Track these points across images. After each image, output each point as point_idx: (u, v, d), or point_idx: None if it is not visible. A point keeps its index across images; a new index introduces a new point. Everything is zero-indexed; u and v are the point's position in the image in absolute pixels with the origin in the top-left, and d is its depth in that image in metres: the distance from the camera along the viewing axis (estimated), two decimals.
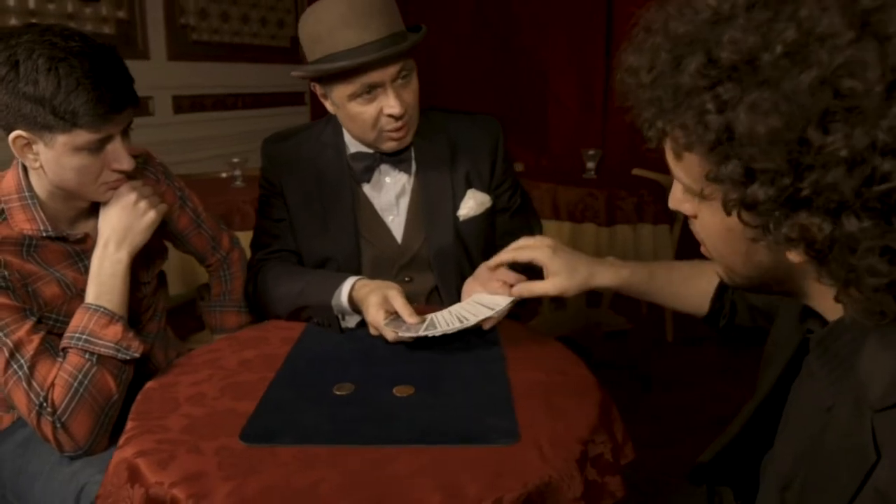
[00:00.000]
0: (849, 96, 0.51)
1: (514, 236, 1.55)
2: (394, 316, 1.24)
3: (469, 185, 1.49)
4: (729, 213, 0.61)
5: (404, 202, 1.48)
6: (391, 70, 1.30)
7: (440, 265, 1.47)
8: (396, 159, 1.45)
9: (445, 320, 1.21)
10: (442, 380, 1.12)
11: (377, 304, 1.24)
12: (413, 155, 1.47)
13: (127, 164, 1.17)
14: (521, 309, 1.61)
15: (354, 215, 1.46)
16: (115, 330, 1.14)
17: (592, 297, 3.69)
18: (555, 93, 4.75)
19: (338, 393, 1.07)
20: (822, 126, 0.52)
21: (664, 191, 3.35)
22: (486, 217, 1.52)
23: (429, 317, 1.23)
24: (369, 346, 1.25)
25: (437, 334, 1.16)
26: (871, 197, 0.52)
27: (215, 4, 3.88)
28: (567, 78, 4.73)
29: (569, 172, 3.63)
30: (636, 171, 3.82)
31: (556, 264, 1.14)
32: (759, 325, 1.14)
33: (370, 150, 1.44)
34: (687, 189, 0.70)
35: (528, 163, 4.26)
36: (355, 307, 1.33)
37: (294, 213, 1.49)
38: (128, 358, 1.14)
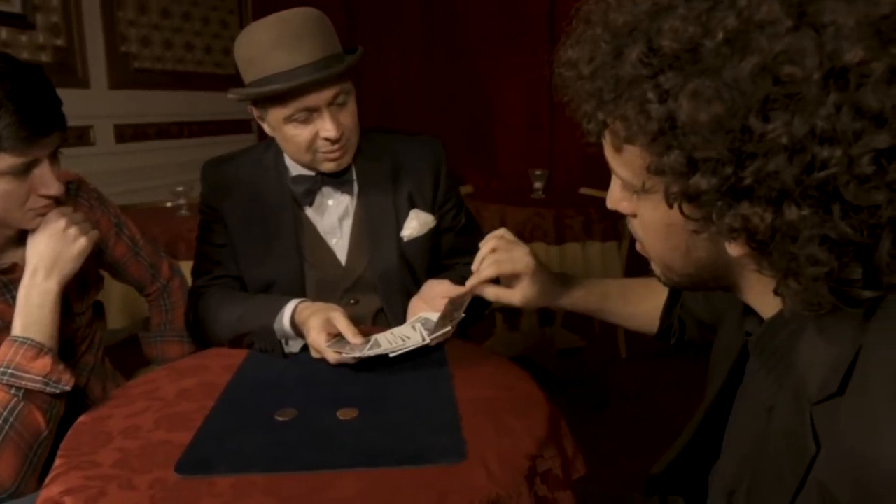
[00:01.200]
0: (789, 83, 0.51)
1: (461, 255, 1.57)
2: (337, 338, 1.21)
3: (412, 206, 1.49)
4: (671, 206, 0.61)
5: (347, 224, 1.47)
6: (326, 94, 1.29)
7: (385, 286, 1.46)
8: (338, 181, 1.44)
9: (388, 340, 1.20)
10: (387, 401, 1.10)
11: (318, 326, 1.21)
12: (355, 176, 1.46)
13: (55, 189, 1.13)
14: (474, 328, 1.60)
15: (297, 238, 1.44)
16: (44, 363, 1.09)
17: (545, 315, 3.72)
18: (502, 115, 4.80)
19: (279, 419, 1.04)
20: (762, 114, 0.52)
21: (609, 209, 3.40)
22: (431, 237, 1.51)
23: (373, 337, 1.22)
24: (313, 371, 1.23)
25: (380, 353, 1.14)
26: (810, 185, 0.52)
27: (158, 32, 3.82)
28: (513, 100, 4.78)
29: (517, 193, 3.67)
30: (583, 191, 3.88)
31: (535, 279, 1.12)
32: (707, 339, 1.13)
33: (311, 173, 1.43)
34: (626, 185, 0.69)
35: (477, 185, 4.28)
36: (298, 331, 1.30)
37: (235, 237, 1.46)
38: (57, 391, 1.09)
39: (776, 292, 0.63)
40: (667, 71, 0.56)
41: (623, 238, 3.42)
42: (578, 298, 1.15)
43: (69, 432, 1.03)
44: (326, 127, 1.30)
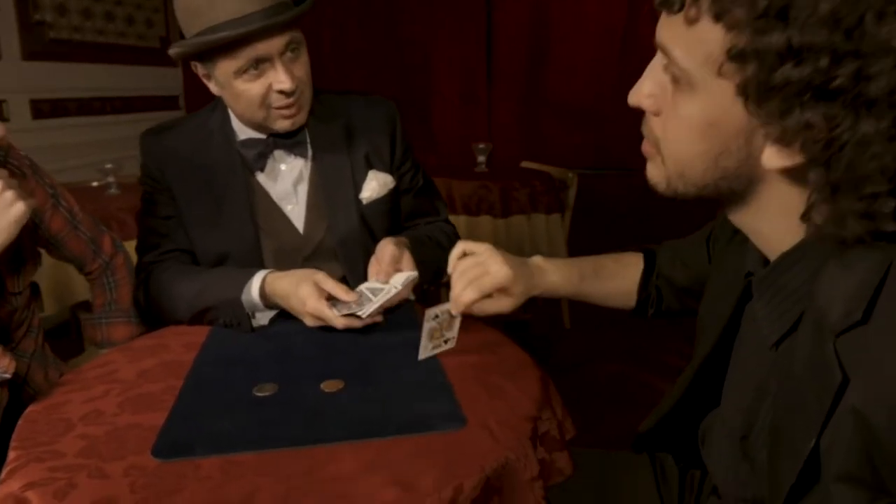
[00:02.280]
0: None
1: (420, 217, 1.54)
2: (330, 302, 1.16)
3: (370, 167, 1.42)
4: (745, 96, 0.58)
5: (302, 189, 1.39)
6: (278, 42, 1.20)
7: (346, 252, 1.39)
8: (290, 143, 1.35)
9: (371, 291, 1.16)
10: (371, 371, 1.04)
11: (313, 293, 1.15)
12: (308, 139, 1.38)
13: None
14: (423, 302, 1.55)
15: (251, 206, 1.35)
16: None
17: None
18: (439, 88, 4.74)
19: (258, 394, 0.96)
20: (881, 14, 0.50)
21: (554, 181, 3.42)
22: (390, 198, 1.45)
23: (358, 290, 1.18)
24: (286, 344, 1.15)
25: (384, 300, 1.11)
26: None
27: (75, 0, 3.56)
28: (451, 73, 4.73)
29: (460, 167, 3.63)
30: (525, 164, 3.88)
31: (516, 288, 1.05)
32: (686, 306, 1.14)
33: (261, 136, 1.34)
34: (675, 74, 0.65)
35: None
36: (268, 302, 1.22)
37: (184, 207, 1.36)
38: None
39: (804, 217, 0.61)
40: None
41: (566, 209, 3.45)
42: (556, 285, 1.10)
43: (20, 422, 0.93)
44: (280, 79, 1.22)
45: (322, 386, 0.98)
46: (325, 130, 1.39)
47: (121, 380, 1.04)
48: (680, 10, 0.61)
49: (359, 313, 1.14)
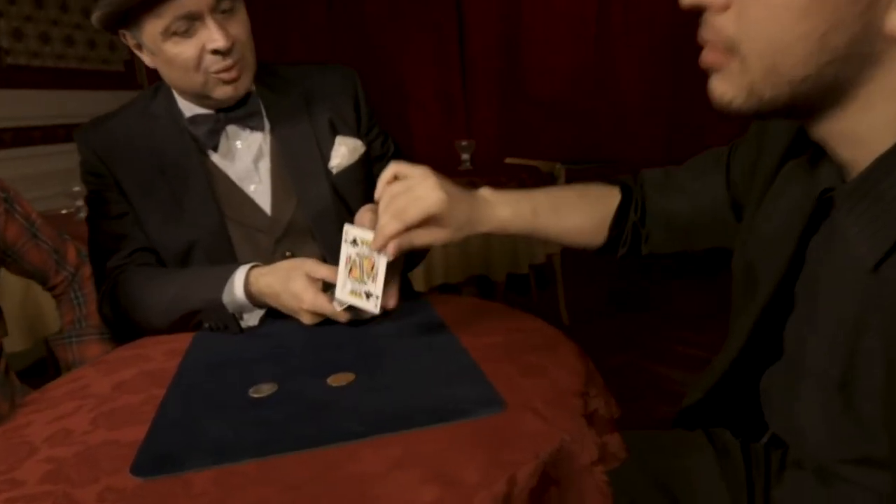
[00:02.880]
0: None
1: None
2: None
3: (335, 133, 1.29)
4: None
5: (264, 166, 1.25)
6: None
7: (321, 229, 1.25)
8: (243, 115, 1.22)
9: (362, 269, 0.98)
10: (383, 359, 0.90)
11: (309, 287, 1.02)
12: (263, 110, 1.25)
13: None
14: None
15: (212, 190, 1.22)
16: None
17: (484, 290, 3.60)
18: (413, 91, 4.64)
19: (255, 395, 0.82)
20: None
21: (541, 175, 3.32)
22: (362, 166, 1.32)
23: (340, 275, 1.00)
24: (282, 342, 1.01)
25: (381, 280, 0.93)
26: None
27: (32, 24, 3.39)
28: (424, 75, 4.64)
29: (444, 167, 3.52)
30: (509, 160, 3.79)
31: (452, 218, 0.89)
32: (678, 249, 1.02)
33: (210, 111, 1.21)
34: None
35: None
36: (255, 301, 1.08)
37: (136, 202, 1.22)
38: None
39: None
40: None
41: None
42: (506, 221, 0.96)
43: None
44: (213, 37, 1.09)
45: (329, 381, 0.84)
46: (280, 100, 1.27)
47: (93, 394, 0.89)
48: None
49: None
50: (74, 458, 0.72)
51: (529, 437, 0.68)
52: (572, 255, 3.64)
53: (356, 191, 1.30)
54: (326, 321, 1.04)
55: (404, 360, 0.90)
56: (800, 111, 0.62)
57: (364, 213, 1.13)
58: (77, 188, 2.54)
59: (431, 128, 4.60)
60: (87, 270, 1.31)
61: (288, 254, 1.25)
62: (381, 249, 0.88)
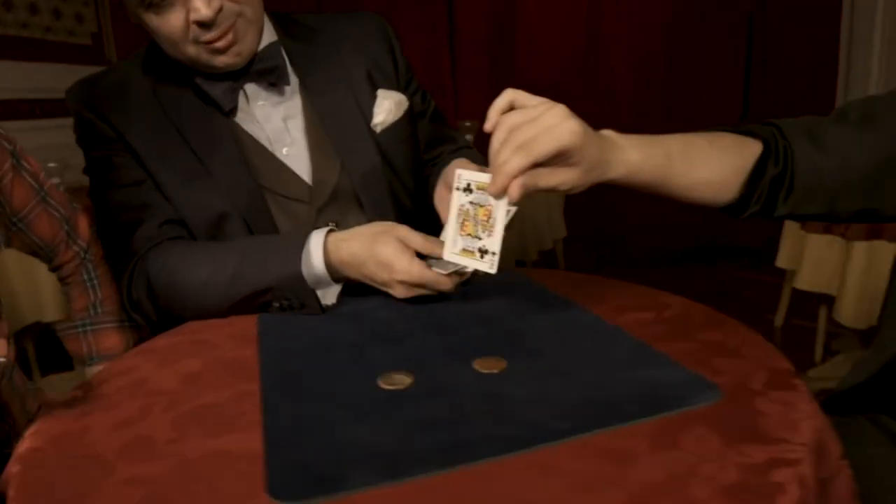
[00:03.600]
0: None
1: (440, 145, 1.23)
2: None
3: (375, 87, 1.12)
4: None
5: (296, 127, 1.07)
6: None
7: (370, 194, 1.08)
8: (262, 70, 1.03)
9: (476, 222, 0.80)
10: (528, 340, 0.73)
11: (399, 252, 0.85)
12: (289, 65, 1.07)
13: None
14: None
15: (241, 151, 1.03)
16: None
17: None
18: None
19: (388, 387, 0.64)
20: None
21: None
22: (408, 122, 1.15)
23: (444, 238, 0.83)
24: (383, 321, 0.83)
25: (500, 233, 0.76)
26: None
27: None
28: (412, 60, 4.46)
29: None
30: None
31: (585, 155, 0.73)
32: (822, 210, 0.86)
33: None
34: None
35: None
36: (334, 273, 0.90)
37: (154, 167, 1.01)
38: None
39: None
40: None
41: None
42: (636, 165, 0.79)
43: (16, 469, 0.57)
44: (195, 6, 0.91)
45: (475, 366, 0.67)
46: (308, 51, 1.10)
47: (161, 390, 0.69)
48: None
49: (460, 268, 0.83)
50: (173, 477, 0.53)
51: (781, 425, 0.52)
52: (575, 242, 3.53)
53: (402, 151, 1.14)
54: (426, 298, 0.87)
55: (553, 340, 0.73)
56: None
57: (460, 164, 0.97)
58: (52, 164, 2.27)
59: None
60: (99, 249, 1.09)
61: (332, 225, 1.06)
62: (501, 194, 0.71)
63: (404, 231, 0.88)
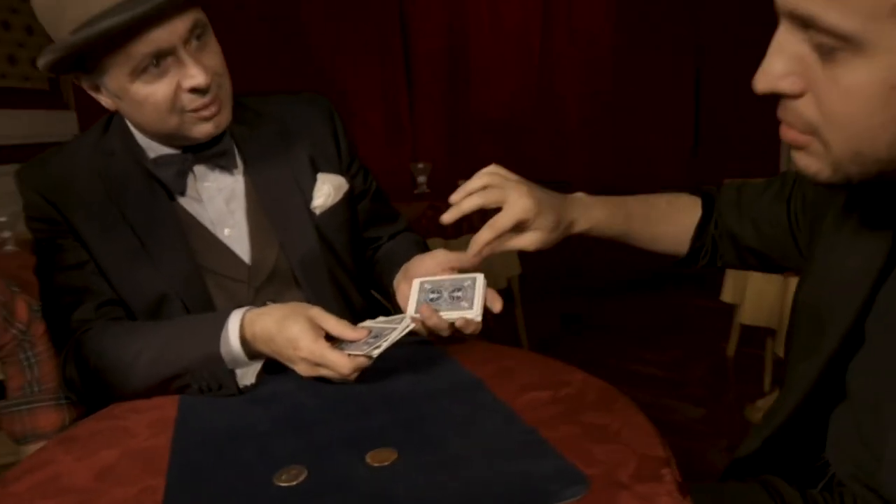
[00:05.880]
0: None
1: (381, 224, 1.31)
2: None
3: (316, 171, 1.18)
4: None
5: (239, 208, 1.12)
6: (179, 27, 0.94)
7: (308, 276, 1.13)
8: (213, 154, 1.09)
9: (388, 323, 0.93)
10: (423, 427, 0.78)
11: (305, 330, 0.88)
12: (235, 148, 1.12)
13: None
14: None
15: (182, 235, 1.08)
16: None
17: None
18: (359, 114, 4.52)
19: (282, 484, 0.68)
20: None
21: None
22: (346, 205, 1.22)
23: (366, 324, 0.94)
24: (291, 407, 0.87)
25: (401, 335, 0.89)
26: None
27: None
28: (372, 100, 4.54)
29: (397, 190, 3.43)
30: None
31: (542, 221, 0.94)
32: (748, 264, 1.05)
33: (175, 151, 1.07)
34: (825, 43, 0.53)
35: None
36: (250, 350, 0.94)
37: (97, 249, 1.06)
38: None
39: None
40: None
41: None
42: (600, 222, 1.00)
43: None
44: (190, 73, 0.96)
45: (368, 459, 0.71)
46: (253, 136, 1.15)
47: (72, 488, 0.72)
48: None
49: (374, 353, 0.88)
50: None
51: None
52: (526, 277, 3.60)
53: (341, 232, 1.20)
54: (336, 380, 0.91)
55: (448, 428, 0.77)
56: (892, 177, 0.61)
57: (423, 259, 1.06)
58: (3, 218, 2.30)
59: (377, 148, 4.48)
60: (39, 328, 1.13)
61: (269, 302, 1.11)
62: (477, 260, 0.97)
63: (316, 312, 0.92)
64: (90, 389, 1.02)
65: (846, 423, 0.81)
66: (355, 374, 0.88)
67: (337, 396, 0.88)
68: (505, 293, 3.38)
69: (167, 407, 0.91)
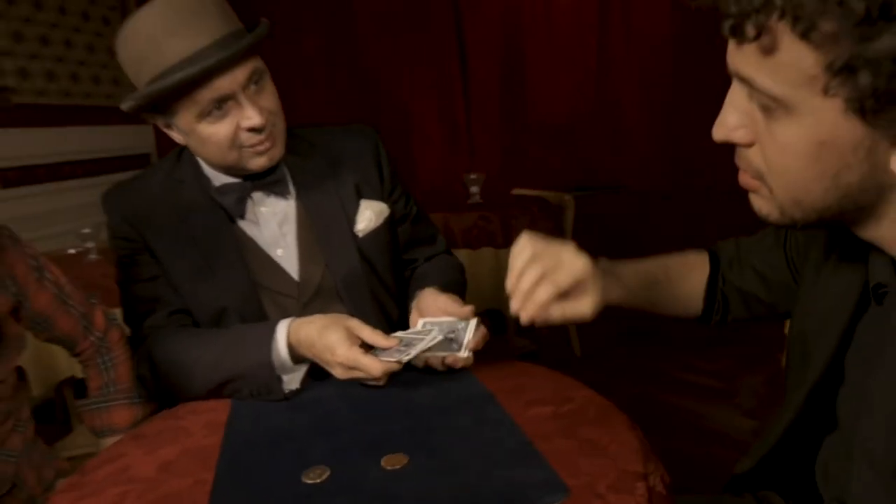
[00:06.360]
0: None
1: (419, 246, 1.43)
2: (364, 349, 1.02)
3: (360, 197, 1.30)
4: (861, 109, 0.53)
5: (290, 231, 1.26)
6: (239, 75, 1.08)
7: (350, 292, 1.26)
8: (269, 182, 1.22)
9: (412, 337, 1.03)
10: (433, 436, 0.89)
11: (342, 339, 1.01)
12: (288, 176, 1.26)
13: None
14: None
15: (241, 256, 1.22)
16: None
17: (495, 324, 3.58)
18: (419, 126, 4.64)
19: (309, 482, 0.80)
20: None
21: (550, 206, 3.33)
22: (387, 229, 1.34)
23: (398, 334, 1.05)
24: (327, 411, 0.99)
25: (427, 346, 1.00)
26: None
27: (38, 63, 3.39)
28: (428, 108, 4.65)
29: (451, 201, 3.52)
30: (516, 191, 3.79)
31: (595, 283, 0.85)
32: (755, 313, 1.04)
33: (236, 180, 1.22)
34: (761, 101, 0.60)
35: None
36: (295, 355, 1.08)
37: (168, 265, 1.21)
38: None
39: None
40: None
41: (565, 234, 3.35)
42: (630, 289, 0.96)
43: None
44: (248, 115, 1.10)
45: (382, 463, 0.82)
46: (305, 166, 1.28)
47: (138, 478, 0.86)
48: (756, 37, 0.55)
49: (403, 358, 0.99)
50: None
51: None
52: None
53: (382, 254, 1.32)
54: (369, 386, 1.03)
55: (456, 437, 0.88)
56: (835, 225, 0.66)
57: (432, 295, 1.16)
58: (87, 230, 2.52)
59: (436, 162, 4.59)
60: (114, 334, 1.29)
61: None
62: (528, 320, 0.83)
63: (354, 322, 1.04)
64: (159, 386, 1.18)
65: (834, 451, 0.84)
66: (385, 377, 1.00)
67: (363, 405, 1.00)
68: None
69: (220, 410, 1.05)
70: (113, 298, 2.24)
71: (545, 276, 0.81)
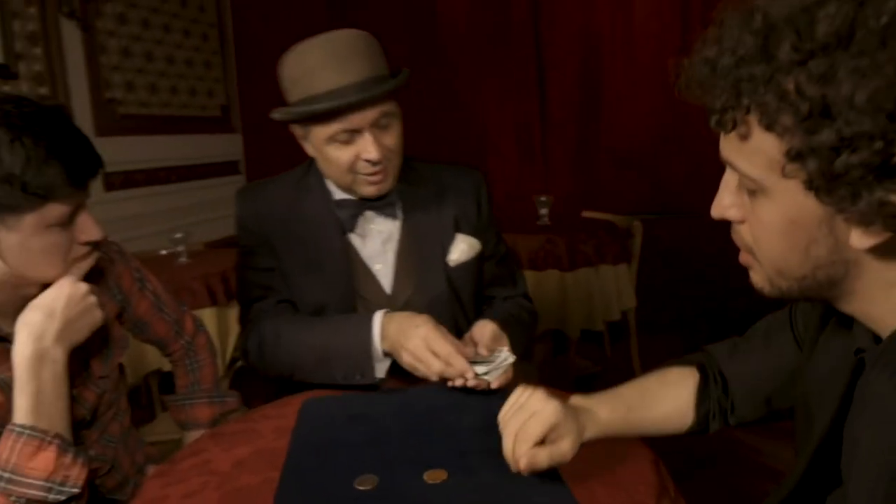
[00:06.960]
0: None
1: (499, 285, 1.55)
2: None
3: (457, 230, 1.45)
4: (812, 190, 0.60)
5: (391, 250, 1.41)
6: (370, 114, 1.25)
7: (433, 313, 1.35)
8: (382, 205, 1.39)
9: (491, 355, 1.21)
10: (472, 457, 0.99)
11: (436, 334, 1.20)
12: (398, 201, 1.41)
13: (98, 233, 1.06)
14: None
15: (346, 263, 1.39)
16: (46, 458, 0.93)
17: (558, 343, 3.64)
18: (494, 143, 4.74)
19: (360, 488, 0.92)
20: None
21: (618, 230, 3.35)
22: (476, 263, 1.47)
23: (469, 353, 1.22)
24: (380, 426, 1.11)
25: (497, 365, 1.17)
26: None
27: (142, 76, 3.71)
28: (504, 128, 4.74)
29: (520, 221, 3.60)
30: (586, 214, 3.83)
31: (569, 426, 0.91)
32: (762, 413, 1.04)
33: (354, 197, 1.38)
34: (743, 184, 0.68)
35: None
36: (384, 336, 1.27)
37: (283, 260, 1.40)
38: (63, 499, 0.93)
39: None
40: (819, 56, 0.56)
41: (633, 258, 3.36)
42: (605, 422, 0.97)
43: None
44: (367, 149, 1.26)
45: (425, 476, 0.93)
46: (415, 193, 1.43)
47: (216, 471, 1.01)
48: (733, 128, 0.65)
49: (483, 368, 1.17)
50: None
51: None
52: (647, 310, 3.63)
53: (468, 285, 1.46)
54: (420, 405, 1.14)
55: (491, 459, 0.97)
56: (816, 298, 0.73)
57: (486, 324, 1.29)
58: (179, 234, 2.74)
59: (511, 182, 4.68)
60: (201, 339, 1.45)
61: None
62: (520, 470, 0.89)
63: (433, 336, 1.19)
64: (261, 359, 1.37)
65: None
66: (438, 378, 1.17)
67: (411, 423, 1.11)
68: (620, 325, 3.47)
69: (289, 417, 1.18)
70: (197, 300, 2.45)
71: (520, 431, 0.89)
